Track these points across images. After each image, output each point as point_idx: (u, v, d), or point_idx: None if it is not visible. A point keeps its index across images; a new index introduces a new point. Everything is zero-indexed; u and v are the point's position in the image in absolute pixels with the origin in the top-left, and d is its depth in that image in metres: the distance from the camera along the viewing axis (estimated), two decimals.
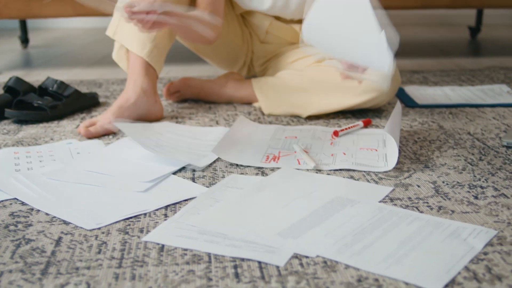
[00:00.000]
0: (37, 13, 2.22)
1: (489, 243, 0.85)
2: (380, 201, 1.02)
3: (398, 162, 1.21)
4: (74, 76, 2.23)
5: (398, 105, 1.36)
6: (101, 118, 1.46)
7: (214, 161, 1.24)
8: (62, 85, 1.66)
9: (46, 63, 2.56)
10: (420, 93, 1.83)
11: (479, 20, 3.16)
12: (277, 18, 1.74)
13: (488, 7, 2.45)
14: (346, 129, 1.41)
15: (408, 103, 1.71)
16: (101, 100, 1.81)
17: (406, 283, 0.74)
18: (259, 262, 0.81)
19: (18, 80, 1.65)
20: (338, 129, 1.40)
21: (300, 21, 1.74)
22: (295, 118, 1.57)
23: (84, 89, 1.95)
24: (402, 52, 2.66)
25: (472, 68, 2.29)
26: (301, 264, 0.80)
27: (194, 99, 1.77)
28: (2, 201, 1.05)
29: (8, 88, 1.65)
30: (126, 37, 1.55)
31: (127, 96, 1.50)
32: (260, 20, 1.75)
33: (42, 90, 1.65)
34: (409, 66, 2.35)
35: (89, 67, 2.44)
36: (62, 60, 2.64)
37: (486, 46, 2.94)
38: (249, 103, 1.72)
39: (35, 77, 2.19)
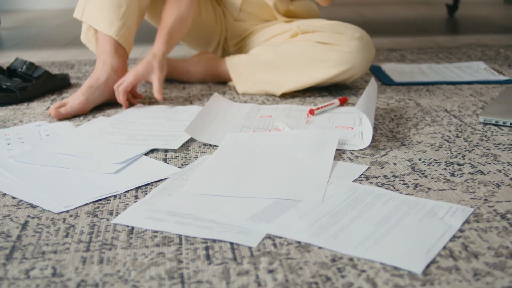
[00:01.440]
0: None
1: (466, 221, 0.84)
2: (354, 180, 1.00)
3: (374, 140, 1.19)
4: (45, 58, 2.18)
5: (373, 82, 1.34)
6: (71, 99, 1.42)
7: (188, 141, 1.21)
8: (32, 66, 1.61)
9: (17, 44, 2.50)
10: (397, 71, 1.81)
11: None
12: None
13: None
14: (322, 107, 1.38)
15: (385, 81, 1.69)
16: (72, 81, 1.77)
17: (383, 264, 0.73)
18: (231, 243, 0.79)
19: None
20: (313, 107, 1.38)
21: None
22: (270, 97, 1.54)
23: (55, 71, 1.90)
24: (379, 30, 2.65)
25: (449, 46, 2.28)
26: (274, 245, 0.78)
27: (167, 79, 1.73)
28: None
29: None
30: (93, 17, 1.51)
31: (97, 75, 1.47)
32: None
33: (10, 72, 1.61)
34: (386, 44, 2.33)
35: (61, 48, 2.39)
36: (33, 41, 2.58)
37: (464, 24, 2.93)
38: (223, 82, 1.69)
39: (5, 59, 2.14)
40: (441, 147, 1.16)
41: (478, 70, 1.81)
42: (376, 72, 1.78)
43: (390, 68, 1.84)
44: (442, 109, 1.42)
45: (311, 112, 1.36)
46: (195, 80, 1.71)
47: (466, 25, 2.90)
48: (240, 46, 1.80)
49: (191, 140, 1.21)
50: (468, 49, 2.19)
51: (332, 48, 1.50)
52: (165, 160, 1.11)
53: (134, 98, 1.52)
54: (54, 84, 1.66)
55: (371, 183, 0.99)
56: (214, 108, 1.37)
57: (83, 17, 1.54)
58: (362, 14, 3.20)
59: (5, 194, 0.97)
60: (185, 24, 1.54)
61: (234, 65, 1.63)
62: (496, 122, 1.29)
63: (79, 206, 0.92)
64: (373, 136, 1.19)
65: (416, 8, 3.49)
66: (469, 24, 2.90)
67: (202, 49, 1.85)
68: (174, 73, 1.72)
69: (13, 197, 0.96)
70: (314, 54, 1.51)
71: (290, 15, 1.74)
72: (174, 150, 1.16)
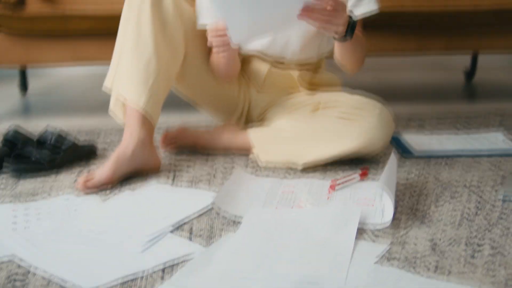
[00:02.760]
0: (36, 59, 2.25)
1: None
2: (376, 261, 1.02)
3: (394, 218, 1.21)
4: (72, 125, 2.24)
5: (393, 157, 1.37)
6: (98, 172, 1.46)
7: (212, 218, 1.24)
8: (60, 137, 1.67)
9: (45, 110, 2.57)
10: (416, 141, 1.84)
11: (474, 63, 3.19)
12: (275, 65, 1.76)
13: (482, 52, 2.48)
14: (342, 182, 1.41)
15: (405, 152, 1.72)
16: (99, 150, 1.82)
17: None
18: None
19: (16, 132, 1.66)
20: (334, 182, 1.41)
21: (299, 66, 1.77)
22: (292, 170, 1.58)
23: (82, 138, 1.96)
24: (398, 97, 2.69)
25: (467, 114, 2.31)
26: None
27: (191, 150, 1.78)
28: None
29: (6, 141, 1.66)
30: (122, 89, 1.57)
31: (124, 148, 1.51)
32: (258, 66, 1.77)
33: (40, 143, 1.66)
34: (405, 113, 2.36)
35: (88, 114, 2.45)
36: (61, 107, 2.66)
37: (481, 90, 2.97)
38: (246, 152, 1.73)
39: (34, 126, 2.20)
40: (460, 226, 1.17)
41: (496, 141, 1.83)
42: (396, 142, 1.81)
43: (410, 139, 1.87)
44: (461, 184, 1.44)
45: (332, 187, 1.39)
46: (218, 151, 1.75)
47: (483, 91, 2.93)
48: (263, 117, 1.85)
49: (215, 217, 1.24)
50: (486, 118, 2.21)
51: (352, 123, 1.54)
52: (190, 238, 1.14)
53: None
54: (81, 155, 1.71)
55: (392, 264, 1.00)
56: (236, 183, 1.40)
57: (112, 88, 1.61)
58: (381, 79, 3.25)
59: (35, 273, 1.00)
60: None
61: (256, 136, 1.67)
62: None
63: (107, 284, 0.95)
64: (394, 213, 1.21)
65: (433, 74, 3.54)
66: (487, 90, 2.94)
67: (225, 118, 1.90)
68: (197, 144, 1.76)
69: (43, 278, 0.99)
70: (335, 129, 1.55)
71: (313, 86, 1.79)
72: (200, 229, 1.19)
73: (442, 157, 1.69)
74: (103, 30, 2.14)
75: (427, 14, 2.20)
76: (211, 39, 1.49)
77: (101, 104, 2.63)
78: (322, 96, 1.70)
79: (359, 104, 1.57)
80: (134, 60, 1.55)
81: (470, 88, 3.06)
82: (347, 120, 1.55)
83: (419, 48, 2.35)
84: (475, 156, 1.69)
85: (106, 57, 2.20)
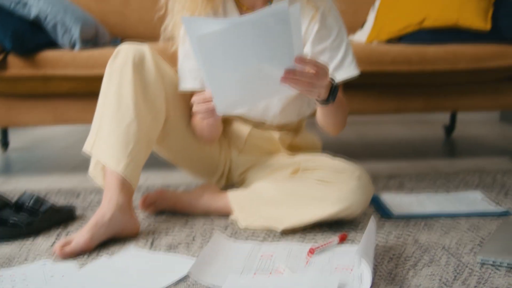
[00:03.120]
0: (17, 121, 2.25)
1: None
2: None
3: (373, 284, 1.21)
4: (52, 185, 2.24)
5: (372, 221, 1.37)
6: (76, 237, 1.45)
7: (189, 286, 1.23)
8: (38, 201, 1.66)
9: (24, 169, 2.56)
10: (396, 202, 1.85)
11: (453, 118, 3.24)
12: (256, 126, 1.78)
13: (460, 110, 2.52)
14: (321, 246, 1.41)
15: (384, 214, 1.72)
16: (78, 211, 1.80)
17: None
18: None
19: None
20: (313, 246, 1.40)
21: (280, 128, 1.79)
22: (272, 233, 1.57)
23: (61, 199, 1.95)
24: (378, 154, 2.72)
25: (447, 172, 2.33)
26: None
27: (170, 212, 1.77)
28: None
29: None
30: (102, 153, 1.57)
31: (103, 213, 1.50)
32: (239, 128, 1.79)
33: (18, 206, 1.65)
34: (385, 170, 2.39)
35: (67, 173, 2.45)
36: (40, 165, 2.65)
37: (461, 145, 3.01)
38: (225, 214, 1.72)
39: (13, 185, 2.19)
40: None
41: (475, 201, 1.85)
42: (376, 204, 1.81)
43: (389, 199, 1.87)
44: (440, 246, 1.44)
45: (311, 251, 1.38)
46: (197, 213, 1.75)
47: (463, 146, 2.97)
48: (243, 177, 1.85)
49: (193, 284, 1.23)
50: (466, 175, 2.23)
51: (332, 186, 1.54)
52: None
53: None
54: (60, 217, 1.69)
55: None
56: (215, 250, 1.39)
57: (92, 151, 1.60)
58: (363, 134, 3.29)
59: None
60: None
61: (236, 199, 1.67)
62: (493, 262, 1.31)
63: None
64: (372, 279, 1.20)
65: (413, 128, 3.59)
66: (466, 146, 2.98)
67: (206, 178, 1.90)
68: (176, 205, 1.76)
69: None
70: (314, 193, 1.55)
71: (294, 148, 1.81)
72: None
73: (422, 217, 1.70)
74: (84, 91, 2.16)
75: (405, 74, 2.24)
76: (197, 107, 1.49)
77: (81, 161, 2.63)
78: (303, 159, 1.71)
79: (338, 168, 1.58)
80: (115, 124, 1.56)
81: (450, 143, 3.11)
82: (326, 184, 1.56)
83: (398, 109, 2.38)
84: (454, 216, 1.70)
85: (87, 119, 2.23)
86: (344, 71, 1.65)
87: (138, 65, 1.60)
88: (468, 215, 1.71)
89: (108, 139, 1.56)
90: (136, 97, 1.57)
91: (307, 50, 1.65)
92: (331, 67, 1.63)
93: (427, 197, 1.91)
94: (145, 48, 1.63)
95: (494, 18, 2.38)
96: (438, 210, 1.75)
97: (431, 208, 1.77)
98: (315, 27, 1.65)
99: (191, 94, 1.66)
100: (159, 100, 1.64)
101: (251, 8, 1.66)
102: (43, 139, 3.37)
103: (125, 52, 1.60)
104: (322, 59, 1.64)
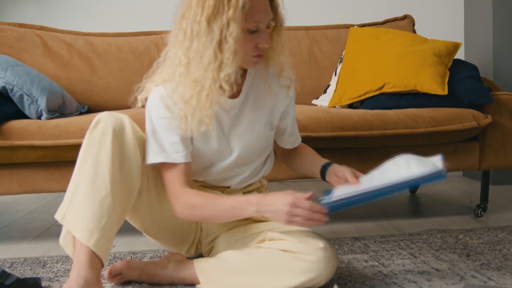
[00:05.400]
0: None
1: None
2: None
3: None
4: (18, 253, 2.22)
5: None
6: None
7: None
8: (3, 274, 1.65)
9: None
10: (359, 270, 1.87)
11: None
12: (222, 191, 1.83)
13: None
14: None
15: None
16: (44, 283, 1.80)
17: None
18: None
19: None
20: None
21: (247, 191, 1.83)
22: None
23: (27, 270, 1.94)
24: (343, 215, 2.76)
25: (411, 232, 2.37)
26: None
27: (136, 282, 1.78)
28: None
29: None
30: (74, 224, 1.55)
31: (70, 286, 1.50)
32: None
33: None
34: (350, 231, 2.42)
35: (33, 240, 2.43)
36: (5, 232, 2.62)
37: (425, 202, 3.06)
38: (192, 284, 1.73)
39: None
40: None
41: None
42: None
43: (353, 266, 1.90)
44: None
45: None
46: (164, 282, 1.75)
47: (427, 204, 3.02)
48: (212, 245, 1.87)
49: None
50: (429, 236, 2.28)
51: (297, 257, 1.56)
52: None
53: None
54: None
55: None
56: None
57: (63, 220, 1.58)
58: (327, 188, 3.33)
59: None
60: None
61: (202, 268, 1.68)
62: None
63: None
64: None
65: None
66: (430, 203, 3.03)
67: (175, 247, 1.90)
68: (142, 275, 1.76)
69: None
70: (280, 263, 1.57)
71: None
72: None
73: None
74: (50, 159, 2.17)
75: (367, 138, 2.30)
76: (305, 214, 1.50)
77: (48, 228, 2.61)
78: (270, 227, 1.73)
79: (304, 239, 1.60)
80: (89, 196, 1.55)
81: (414, 199, 3.16)
82: (292, 254, 1.57)
83: (360, 171, 2.43)
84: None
85: (53, 187, 2.23)
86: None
87: (118, 136, 1.60)
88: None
89: (81, 210, 1.55)
90: (113, 170, 1.57)
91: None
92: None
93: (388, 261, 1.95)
94: (124, 118, 1.64)
95: (450, 83, 2.48)
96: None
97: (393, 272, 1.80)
98: (292, 95, 1.82)
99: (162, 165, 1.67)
100: (136, 172, 1.64)
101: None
102: (8, 203, 3.34)
103: (105, 121, 1.60)
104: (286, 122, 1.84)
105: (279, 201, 1.49)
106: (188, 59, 1.55)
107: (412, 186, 1.57)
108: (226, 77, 1.54)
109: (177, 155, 1.63)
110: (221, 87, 1.56)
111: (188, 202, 1.61)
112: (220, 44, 1.51)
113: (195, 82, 1.55)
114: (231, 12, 1.48)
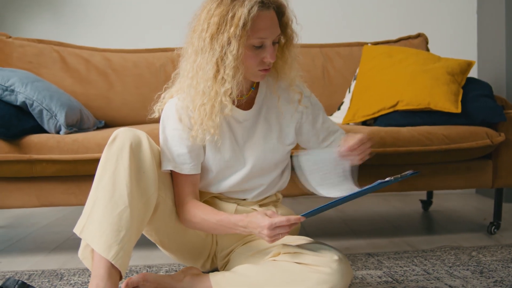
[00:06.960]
0: (1, 203, 2.27)
1: None
2: None
3: None
4: (35, 266, 2.25)
5: None
6: None
7: None
8: (24, 285, 1.68)
9: (6, 248, 2.57)
10: (373, 286, 1.89)
11: (430, 192, 3.32)
12: (238, 203, 1.85)
13: (434, 190, 2.59)
14: None
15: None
16: None
17: None
18: None
19: None
20: None
21: (263, 204, 1.85)
22: None
23: (45, 282, 1.96)
24: (357, 230, 2.77)
25: (424, 249, 2.38)
26: None
27: None
28: None
29: None
30: (93, 237, 1.57)
31: None
32: (225, 206, 1.83)
33: None
34: (364, 247, 2.43)
35: (50, 252, 2.46)
36: (23, 244, 2.66)
37: (438, 220, 3.07)
38: None
39: None
40: None
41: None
42: None
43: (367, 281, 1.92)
44: None
45: None
46: None
47: (440, 221, 3.03)
48: (227, 259, 1.88)
49: None
50: (443, 253, 2.29)
51: (312, 269, 1.57)
52: None
53: None
54: None
55: None
56: None
57: (82, 234, 1.60)
58: (341, 210, 3.34)
59: None
60: None
61: (218, 282, 1.70)
62: None
63: None
64: None
65: (391, 201, 3.66)
66: (443, 220, 3.04)
67: (191, 262, 1.92)
68: None
69: None
70: (295, 275, 1.58)
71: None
72: None
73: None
74: (68, 174, 2.21)
75: (380, 155, 2.32)
76: (281, 230, 1.56)
77: (65, 240, 2.64)
78: (285, 241, 1.75)
79: (319, 251, 1.62)
80: (108, 210, 1.57)
81: (427, 217, 3.17)
82: (306, 266, 1.59)
83: None
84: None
85: (71, 201, 2.27)
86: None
87: (135, 151, 1.64)
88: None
89: (100, 224, 1.57)
90: (130, 184, 1.60)
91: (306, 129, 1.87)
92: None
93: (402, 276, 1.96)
94: (141, 134, 1.68)
95: (464, 101, 2.50)
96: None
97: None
98: (302, 109, 1.84)
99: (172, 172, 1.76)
100: (153, 186, 1.67)
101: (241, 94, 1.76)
102: (25, 216, 3.38)
103: (123, 137, 1.64)
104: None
105: (258, 227, 1.57)
106: (193, 72, 1.65)
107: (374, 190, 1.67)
108: (228, 91, 1.63)
109: (183, 167, 1.73)
110: (223, 100, 1.64)
111: (187, 212, 1.74)
112: (221, 59, 1.61)
113: (200, 94, 1.65)
114: (232, 30, 1.57)
